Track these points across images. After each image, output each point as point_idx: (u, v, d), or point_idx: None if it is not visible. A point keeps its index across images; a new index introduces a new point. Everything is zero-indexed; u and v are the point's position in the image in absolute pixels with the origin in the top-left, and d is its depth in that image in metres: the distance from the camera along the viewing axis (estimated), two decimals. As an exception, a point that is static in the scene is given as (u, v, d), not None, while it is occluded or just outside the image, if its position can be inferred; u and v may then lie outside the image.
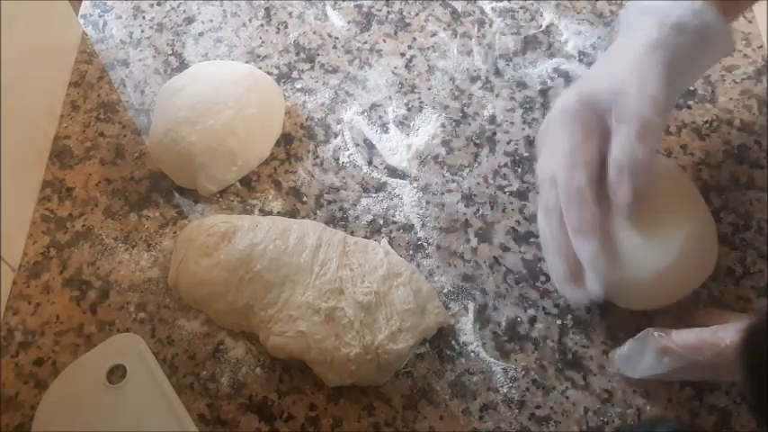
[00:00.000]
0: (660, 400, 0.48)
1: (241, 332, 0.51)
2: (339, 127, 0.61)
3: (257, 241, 0.50)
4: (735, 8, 0.50)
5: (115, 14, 0.69)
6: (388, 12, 0.68)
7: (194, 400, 0.49)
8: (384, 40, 0.66)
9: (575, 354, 0.50)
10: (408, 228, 0.56)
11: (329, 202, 0.57)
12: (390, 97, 0.63)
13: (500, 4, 0.68)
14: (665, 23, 0.46)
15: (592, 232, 0.45)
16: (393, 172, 0.59)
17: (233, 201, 0.58)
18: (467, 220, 0.56)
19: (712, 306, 0.51)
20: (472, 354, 0.50)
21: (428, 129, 0.61)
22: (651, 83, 0.45)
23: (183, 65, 0.65)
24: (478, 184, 0.58)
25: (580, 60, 0.64)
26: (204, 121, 0.56)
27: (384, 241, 0.54)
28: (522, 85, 0.63)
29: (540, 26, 0.66)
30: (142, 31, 0.68)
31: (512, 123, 0.61)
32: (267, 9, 0.69)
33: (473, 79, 0.63)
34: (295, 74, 0.65)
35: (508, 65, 0.64)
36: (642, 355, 0.45)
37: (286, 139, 0.61)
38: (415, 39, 0.66)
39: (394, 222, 0.56)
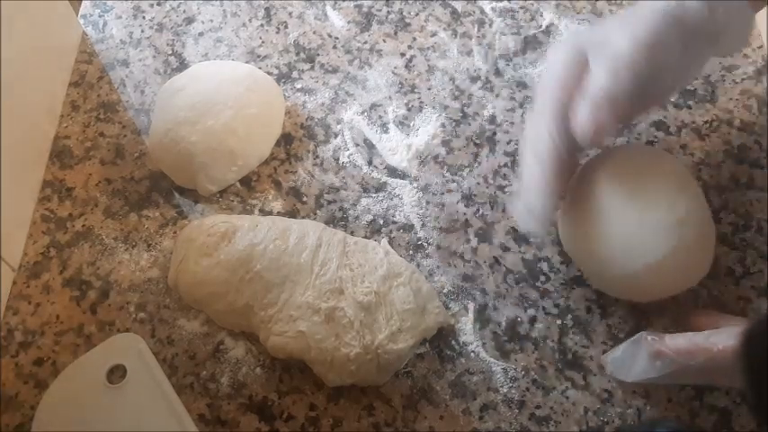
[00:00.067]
0: (660, 400, 0.48)
1: (241, 332, 0.51)
2: (339, 127, 0.61)
3: (257, 241, 0.50)
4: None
5: (115, 14, 0.69)
6: (388, 12, 0.68)
7: (194, 400, 0.49)
8: (384, 40, 0.66)
9: (575, 354, 0.50)
10: (408, 228, 0.56)
11: (329, 202, 0.57)
12: (390, 97, 0.63)
13: (500, 4, 0.68)
14: None
15: (540, 172, 0.45)
16: (393, 172, 0.59)
17: (233, 201, 0.58)
18: (467, 220, 0.56)
19: (712, 306, 0.51)
20: (472, 354, 0.50)
21: (428, 129, 0.61)
22: (640, 31, 0.43)
23: (182, 65, 0.65)
24: (478, 184, 0.58)
25: (580, 60, 0.64)
26: (204, 121, 0.56)
27: (384, 241, 0.54)
28: (522, 85, 0.63)
29: (540, 26, 0.66)
30: (142, 31, 0.68)
31: (512, 123, 0.61)
32: (267, 9, 0.69)
33: (473, 79, 0.63)
34: (295, 74, 0.64)
35: (508, 65, 0.64)
36: (635, 359, 0.45)
37: (286, 139, 0.61)
38: (415, 39, 0.66)
39: (394, 222, 0.56)
